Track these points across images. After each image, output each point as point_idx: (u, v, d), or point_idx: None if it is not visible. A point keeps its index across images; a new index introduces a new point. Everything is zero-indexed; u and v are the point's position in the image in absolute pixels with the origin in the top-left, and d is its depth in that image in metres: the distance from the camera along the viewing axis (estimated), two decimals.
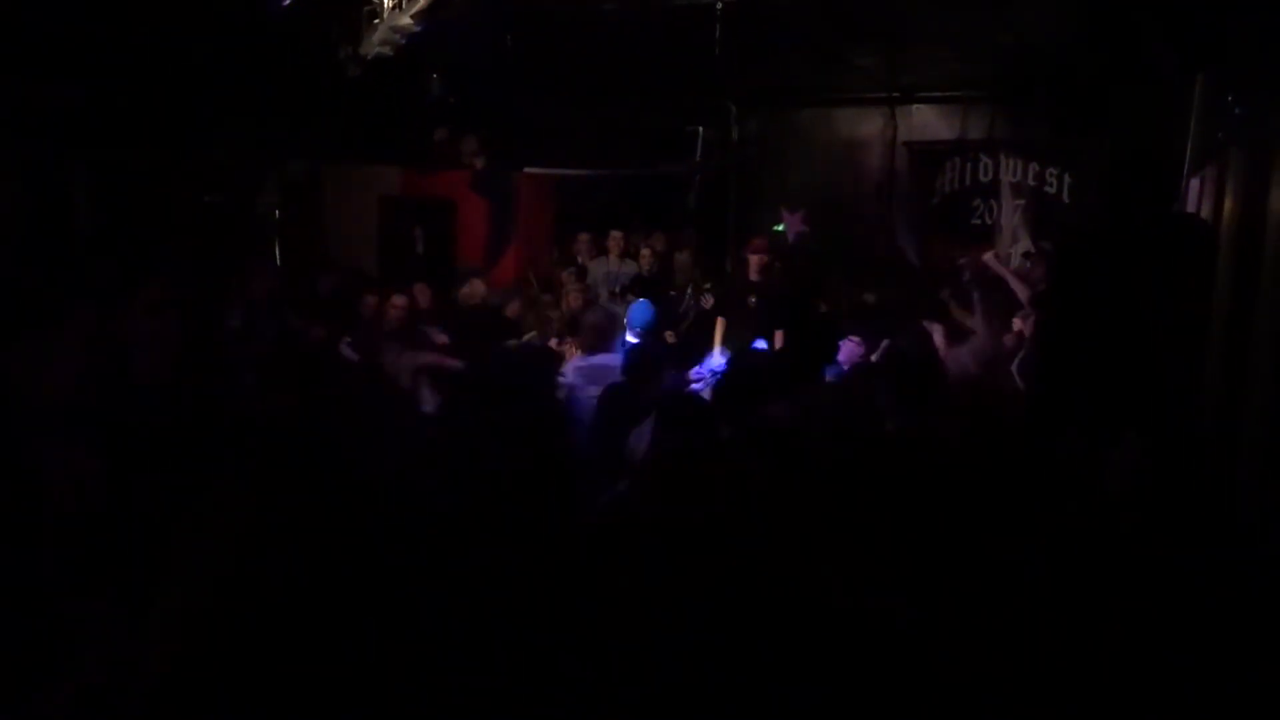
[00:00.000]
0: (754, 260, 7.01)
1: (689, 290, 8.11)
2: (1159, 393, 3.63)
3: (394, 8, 5.14)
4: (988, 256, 5.96)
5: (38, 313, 4.88)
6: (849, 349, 5.73)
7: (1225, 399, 3.59)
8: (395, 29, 5.13)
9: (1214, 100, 4.79)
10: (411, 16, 5.07)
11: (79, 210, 6.49)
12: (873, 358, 5.46)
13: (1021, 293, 5.43)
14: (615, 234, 8.49)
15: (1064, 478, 3.31)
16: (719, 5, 6.28)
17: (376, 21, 5.26)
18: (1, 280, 5.46)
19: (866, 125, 9.27)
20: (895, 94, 8.97)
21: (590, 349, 5.07)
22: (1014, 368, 5.05)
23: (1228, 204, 3.95)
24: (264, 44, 6.45)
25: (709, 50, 7.05)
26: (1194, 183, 4.91)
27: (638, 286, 8.33)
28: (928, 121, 9.01)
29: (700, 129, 9.63)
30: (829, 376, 5.46)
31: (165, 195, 6.90)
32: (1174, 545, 2.76)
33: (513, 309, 7.19)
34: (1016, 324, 5.38)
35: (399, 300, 6.10)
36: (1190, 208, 4.85)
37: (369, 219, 8.29)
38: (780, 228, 9.41)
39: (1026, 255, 7.08)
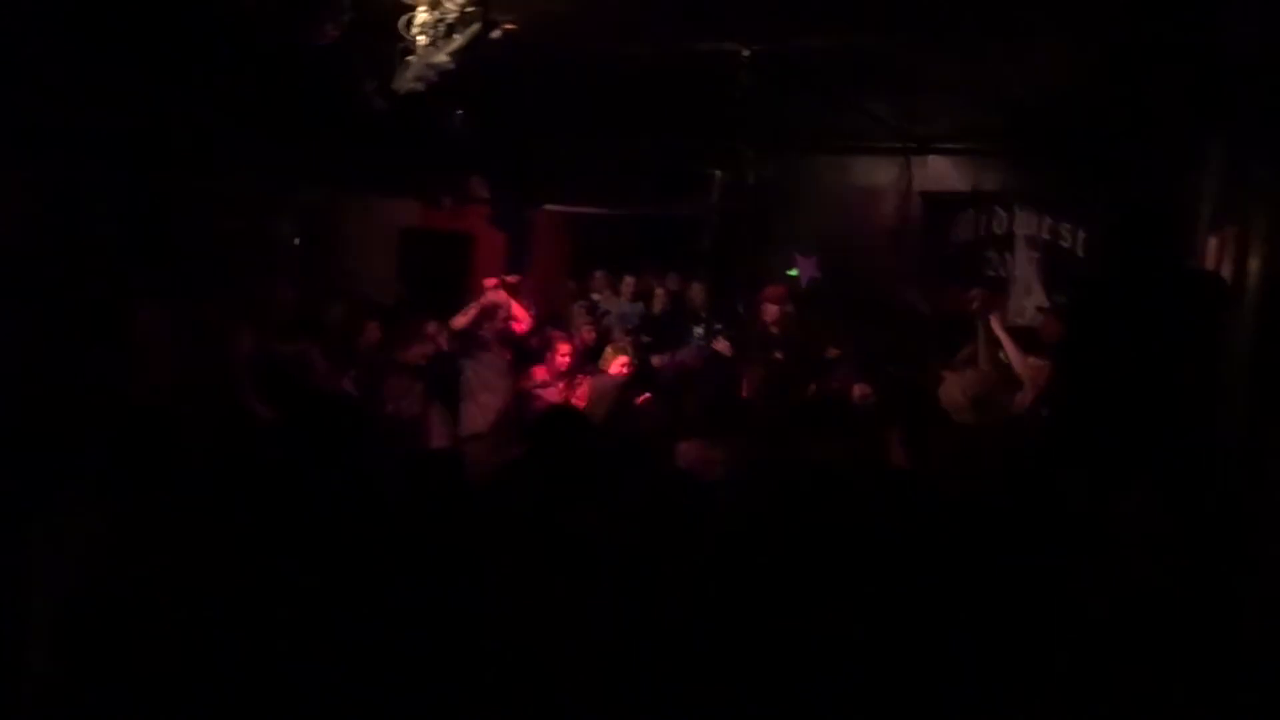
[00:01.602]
0: (770, 309, 7.03)
1: (700, 331, 8.18)
2: (1173, 447, 3.65)
3: (429, 45, 5.23)
4: (993, 316, 5.96)
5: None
6: (860, 392, 5.80)
7: (1249, 458, 3.60)
8: (430, 65, 5.21)
9: (1233, 157, 4.85)
10: (448, 54, 5.14)
11: (93, 226, 6.55)
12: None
13: (1016, 360, 5.45)
14: (629, 279, 8.58)
15: (1073, 525, 3.33)
16: (745, 53, 6.36)
17: (410, 58, 5.35)
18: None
19: (881, 173, 9.35)
20: (911, 144, 9.06)
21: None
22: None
23: (1252, 264, 3.99)
24: (291, 72, 6.56)
25: (728, 95, 7.14)
26: (1212, 241, 4.95)
27: (649, 326, 8.41)
28: (943, 171, 9.09)
29: (716, 172, 9.73)
30: None
31: (181, 215, 6.96)
32: (1186, 594, 2.77)
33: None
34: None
35: (431, 330, 6.23)
36: (1209, 266, 4.88)
37: (389, 250, 8.38)
38: (794, 272, 9.47)
39: (1040, 310, 7.12)
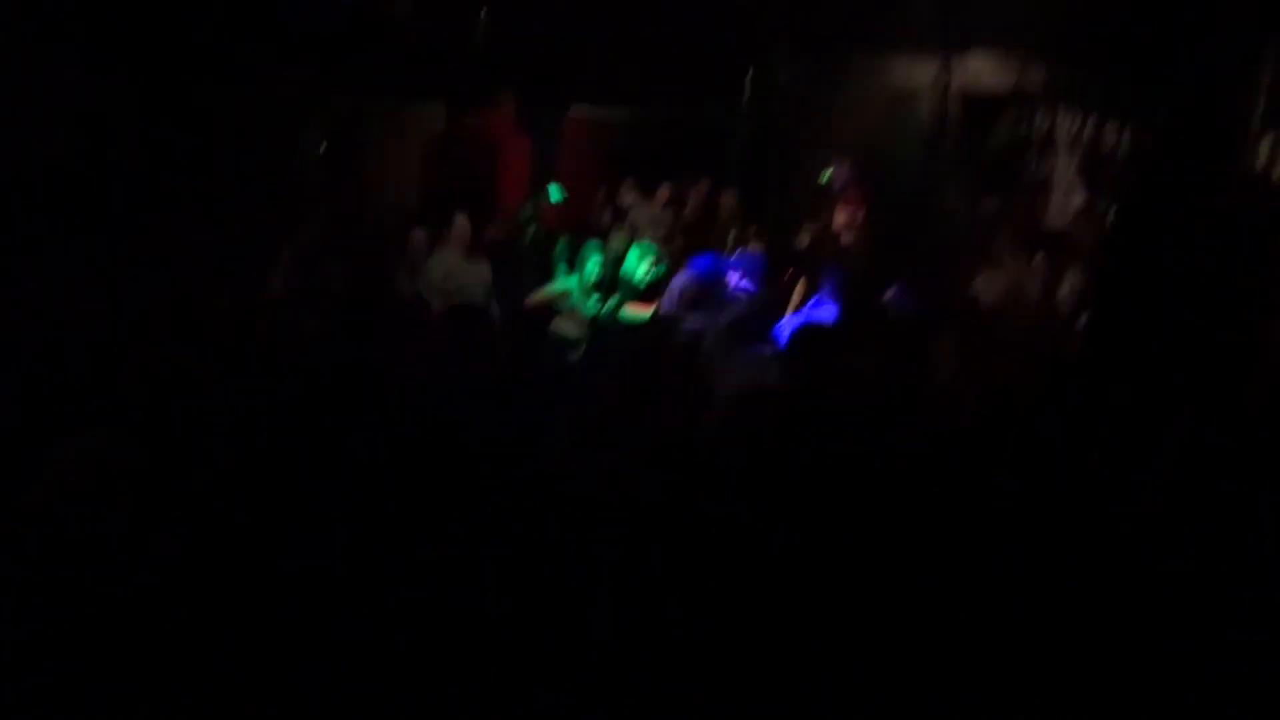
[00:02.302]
0: (842, 214, 6.83)
1: (732, 236, 8.06)
2: (1222, 362, 3.56)
3: None
4: None
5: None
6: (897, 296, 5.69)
7: None
8: None
9: None
10: None
11: (116, 143, 6.49)
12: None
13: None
14: (664, 188, 8.45)
15: (1122, 445, 3.27)
16: None
17: None
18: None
19: (919, 73, 9.05)
20: (949, 43, 8.74)
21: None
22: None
23: None
24: None
25: None
26: (1265, 142, 4.77)
27: (683, 233, 8.29)
28: (982, 71, 8.78)
29: (749, 72, 9.47)
30: None
31: (206, 131, 6.88)
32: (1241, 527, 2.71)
33: None
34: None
35: (462, 221, 6.30)
36: (1259, 168, 4.72)
37: (412, 158, 8.26)
38: (827, 176, 9.27)
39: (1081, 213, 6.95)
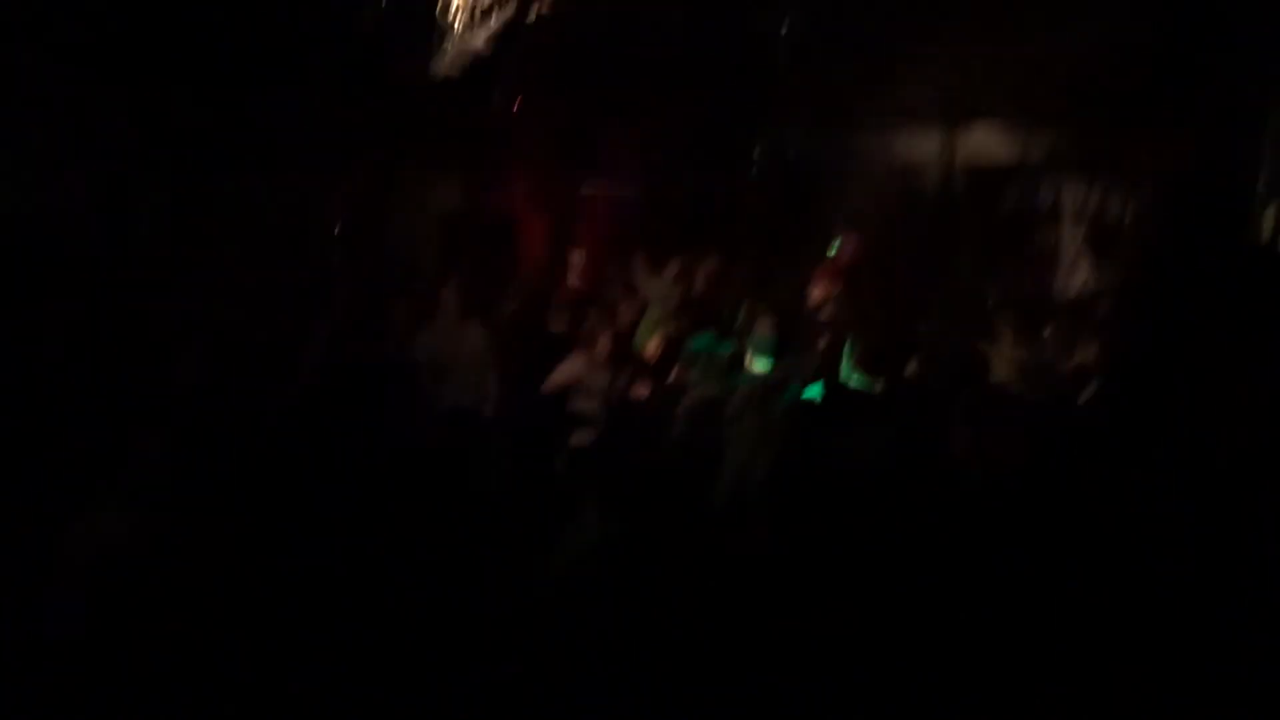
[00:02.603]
0: (816, 290, 6.88)
1: (743, 309, 8.10)
2: (1237, 426, 3.56)
3: (465, 29, 5.21)
4: None
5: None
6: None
7: None
8: (467, 50, 5.20)
9: None
10: (484, 38, 5.12)
11: (142, 211, 6.62)
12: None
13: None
14: (673, 262, 8.54)
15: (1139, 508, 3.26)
16: (783, 30, 6.27)
17: (447, 43, 5.33)
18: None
19: (923, 146, 9.18)
20: (953, 116, 8.88)
21: None
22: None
23: None
24: (332, 60, 6.56)
25: (769, 70, 7.06)
26: (1270, 211, 4.82)
27: (692, 307, 8.34)
28: (987, 144, 8.90)
29: (757, 149, 9.62)
30: None
31: (230, 203, 7.02)
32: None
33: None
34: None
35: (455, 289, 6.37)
36: (1264, 239, 4.76)
37: (430, 235, 8.39)
38: (834, 249, 9.34)
39: (1089, 284, 6.98)
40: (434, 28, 5.37)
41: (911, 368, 5.61)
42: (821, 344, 5.96)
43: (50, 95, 6.09)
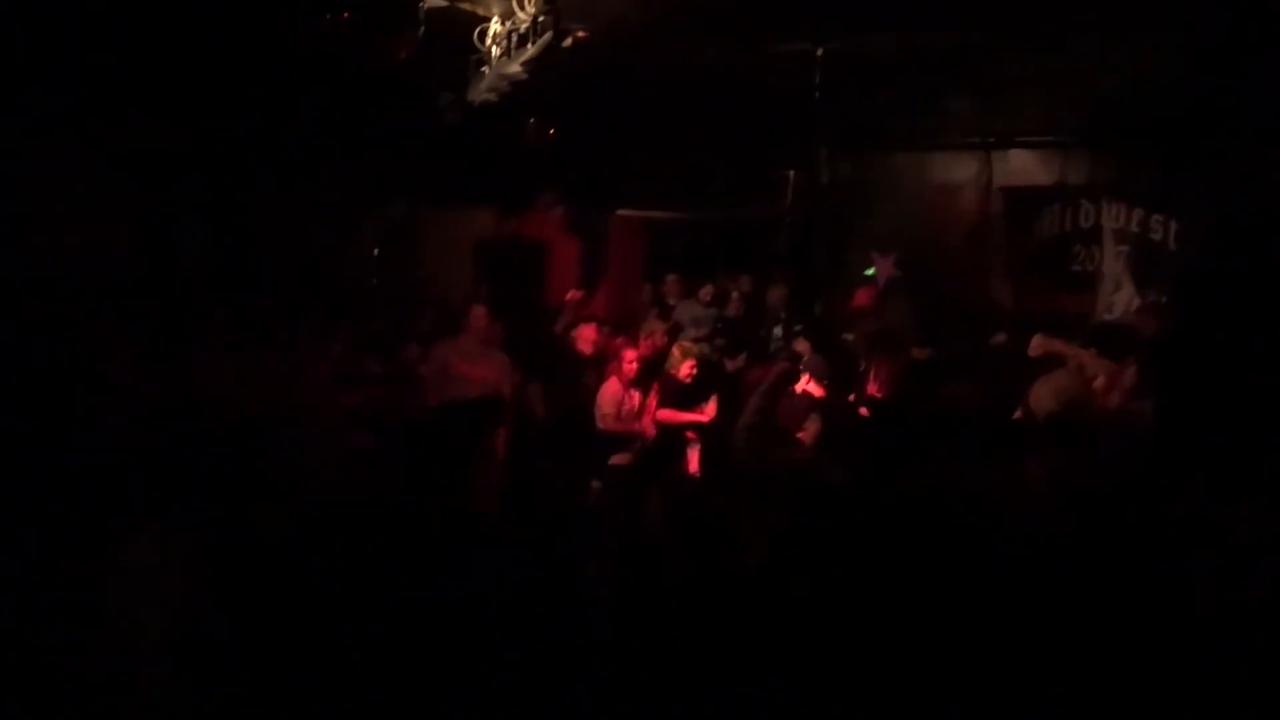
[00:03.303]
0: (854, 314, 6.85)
1: (778, 332, 8.08)
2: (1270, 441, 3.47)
3: (502, 55, 5.26)
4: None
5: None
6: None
7: None
8: (504, 76, 5.24)
9: None
10: (521, 65, 5.16)
11: (183, 249, 6.72)
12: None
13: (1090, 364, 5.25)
14: (706, 285, 8.54)
15: (1185, 534, 3.18)
16: (818, 52, 6.27)
17: (484, 70, 5.39)
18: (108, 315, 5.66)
19: (961, 169, 9.14)
20: (990, 139, 8.84)
21: None
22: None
23: None
24: (368, 90, 6.65)
25: (802, 95, 7.05)
26: None
27: (725, 329, 8.34)
28: (1025, 166, 8.84)
29: (791, 172, 9.62)
30: None
31: (267, 234, 7.12)
32: None
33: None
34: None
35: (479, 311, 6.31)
36: None
37: (464, 261, 8.45)
38: (870, 272, 9.31)
39: (1133, 307, 6.89)
40: (471, 54, 5.43)
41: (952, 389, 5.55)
42: (860, 366, 5.91)
43: (89, 132, 6.21)
